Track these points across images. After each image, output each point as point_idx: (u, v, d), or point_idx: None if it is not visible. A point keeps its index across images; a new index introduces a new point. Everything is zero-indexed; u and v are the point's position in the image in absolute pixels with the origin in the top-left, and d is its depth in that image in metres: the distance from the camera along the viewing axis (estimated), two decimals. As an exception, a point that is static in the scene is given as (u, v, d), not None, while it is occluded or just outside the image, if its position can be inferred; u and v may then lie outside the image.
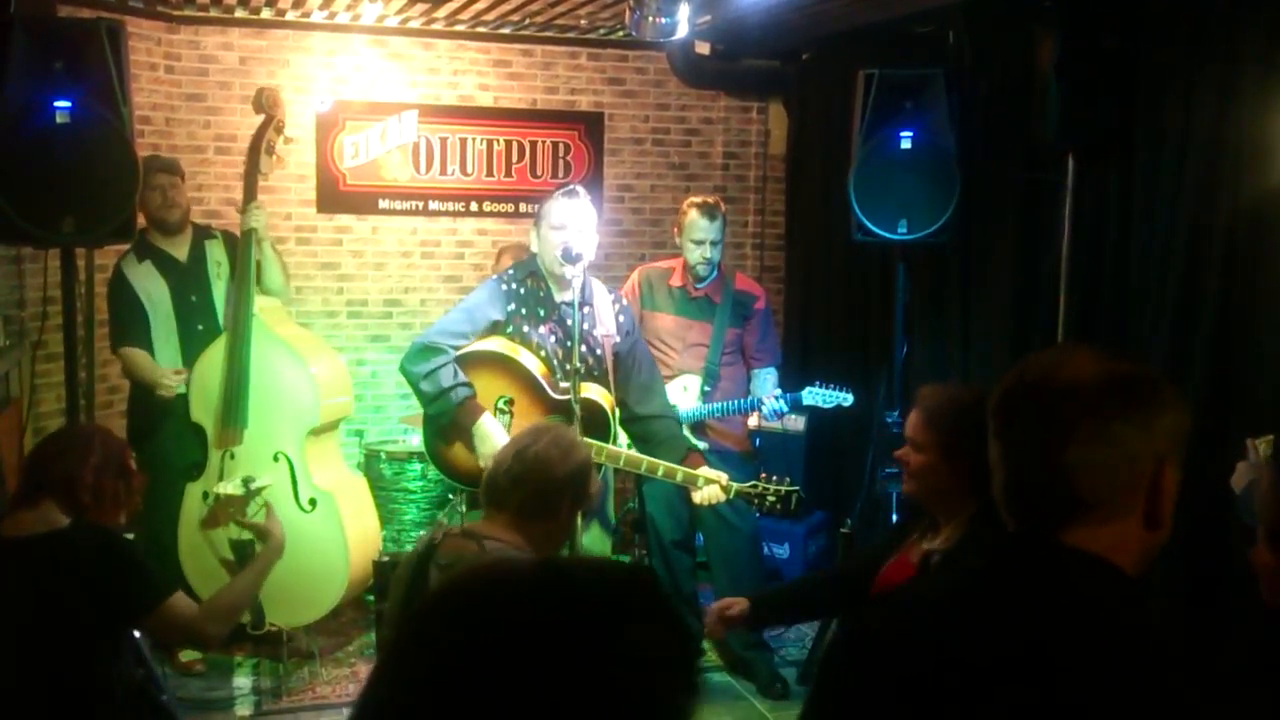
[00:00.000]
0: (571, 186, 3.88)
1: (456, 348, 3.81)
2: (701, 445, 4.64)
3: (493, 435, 3.70)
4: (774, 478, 3.69)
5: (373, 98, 5.97)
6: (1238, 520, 3.09)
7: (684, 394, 4.74)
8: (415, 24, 5.86)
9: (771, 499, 3.65)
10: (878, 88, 4.53)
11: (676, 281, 4.85)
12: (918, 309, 5.03)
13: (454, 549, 2.60)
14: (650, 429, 3.91)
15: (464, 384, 3.73)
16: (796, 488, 3.66)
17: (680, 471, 3.71)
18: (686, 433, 4.66)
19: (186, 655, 4.62)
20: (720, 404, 4.71)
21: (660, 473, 3.72)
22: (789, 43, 5.99)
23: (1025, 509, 1.36)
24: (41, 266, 4.47)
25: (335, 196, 5.97)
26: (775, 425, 5.44)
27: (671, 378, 4.75)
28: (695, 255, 4.72)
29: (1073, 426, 1.31)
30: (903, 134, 4.50)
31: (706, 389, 4.75)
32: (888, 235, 4.51)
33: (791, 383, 4.83)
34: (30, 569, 2.57)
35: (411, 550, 2.79)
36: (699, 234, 4.69)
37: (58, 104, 3.62)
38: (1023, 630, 1.28)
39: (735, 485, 3.68)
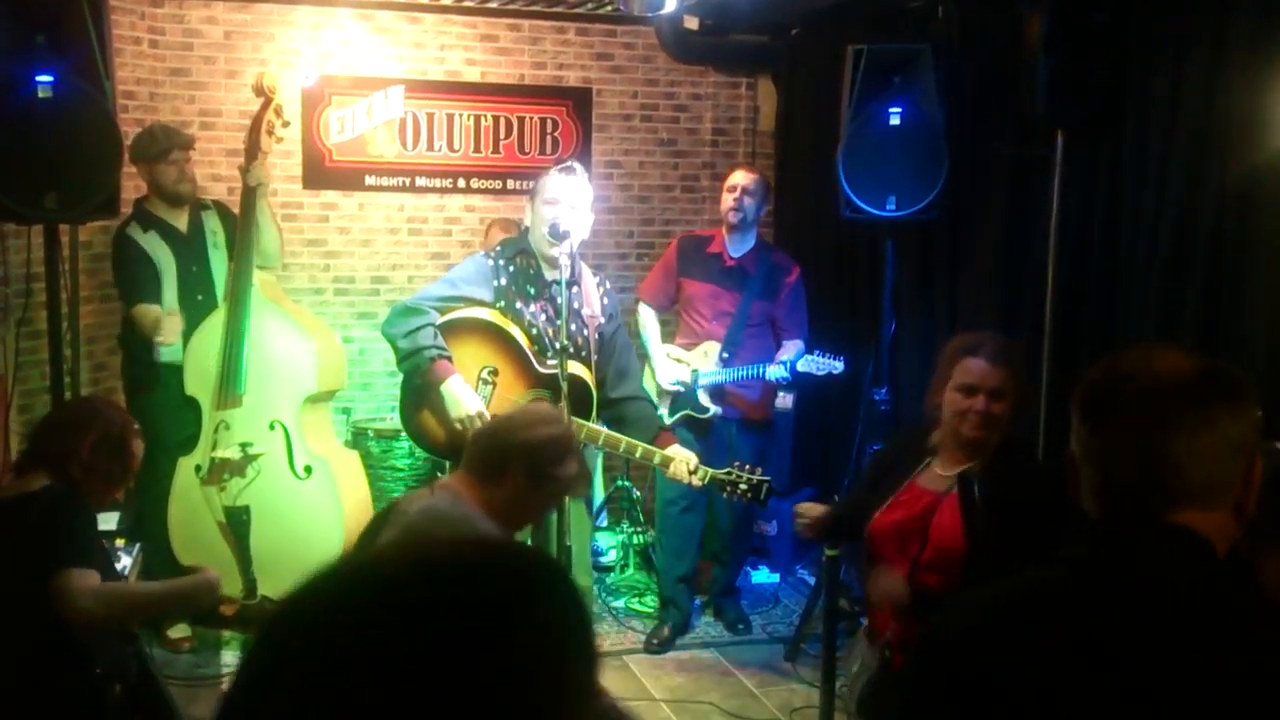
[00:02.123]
0: (569, 163, 3.87)
1: (442, 312, 3.80)
2: (715, 410, 4.81)
3: (461, 397, 3.69)
4: (747, 466, 3.72)
5: (359, 73, 5.92)
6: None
7: (704, 359, 4.88)
8: (401, -2, 5.82)
9: (744, 487, 3.67)
10: (866, 63, 4.51)
11: (714, 249, 4.95)
12: (906, 286, 5.03)
13: (411, 496, 2.74)
14: (623, 411, 3.91)
15: (440, 346, 3.72)
16: (768, 479, 3.67)
17: (657, 454, 3.72)
18: (704, 397, 4.81)
19: (175, 632, 4.63)
20: (731, 369, 4.80)
21: (639, 454, 3.73)
22: (778, 17, 5.96)
23: (1128, 501, 1.37)
24: (25, 243, 4.44)
25: (321, 173, 5.94)
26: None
27: (696, 344, 4.92)
28: (727, 201, 4.92)
29: (1181, 416, 1.34)
30: (891, 110, 4.48)
31: (725, 355, 4.85)
32: (876, 212, 4.51)
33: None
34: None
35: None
36: (732, 181, 4.93)
37: (40, 78, 3.59)
38: (1150, 610, 1.29)
39: (710, 471, 3.70)
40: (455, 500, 2.62)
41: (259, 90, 4.71)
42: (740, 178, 4.94)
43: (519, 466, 2.62)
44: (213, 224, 4.79)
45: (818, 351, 4.68)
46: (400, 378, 3.95)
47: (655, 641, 4.88)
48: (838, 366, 4.63)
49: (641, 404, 3.99)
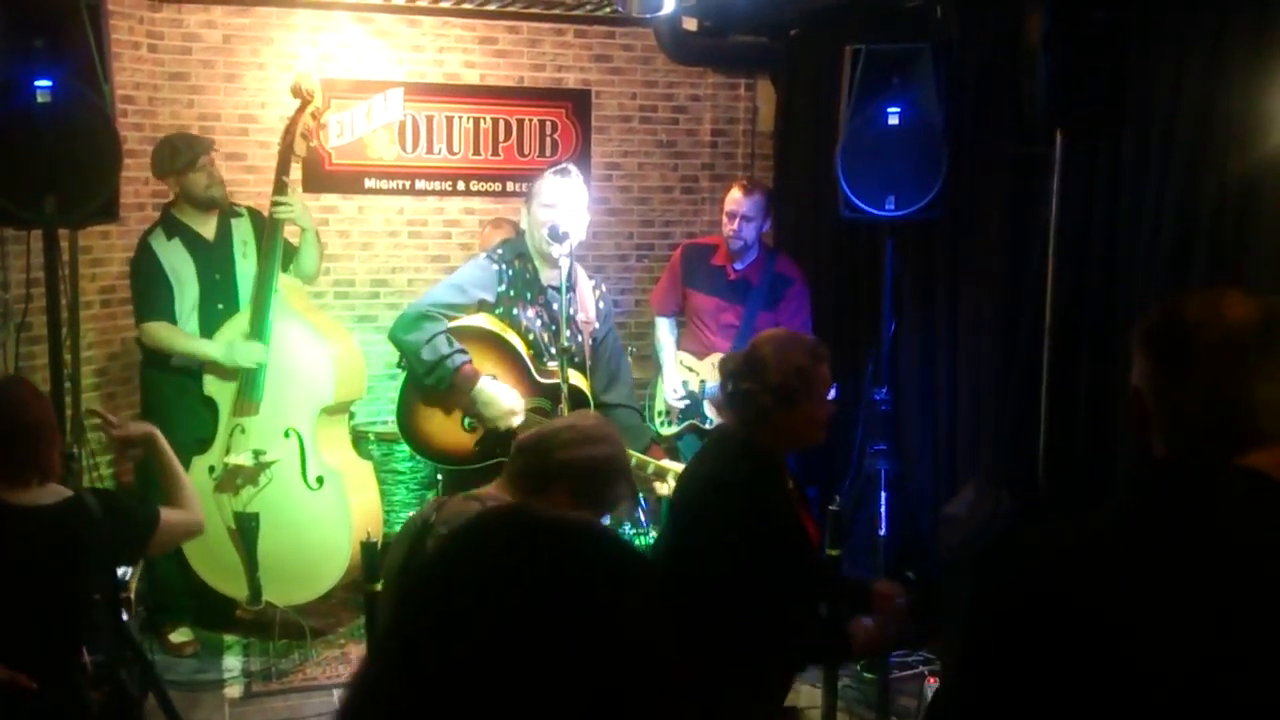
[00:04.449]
0: (564, 165, 3.86)
1: (449, 319, 3.77)
2: (719, 422, 4.78)
3: (497, 395, 3.66)
4: None
5: (358, 76, 5.92)
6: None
7: (713, 370, 4.90)
8: (400, 0, 5.82)
9: None
10: (865, 63, 4.51)
11: (717, 261, 4.93)
12: (906, 285, 5.03)
13: (455, 510, 2.53)
14: (614, 415, 3.88)
15: (460, 350, 3.68)
16: None
17: (651, 464, 3.70)
18: (708, 409, 4.88)
19: (178, 636, 4.62)
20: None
21: (633, 463, 3.69)
22: (777, 18, 5.96)
23: (1198, 446, 1.41)
24: (24, 248, 4.43)
25: (321, 176, 5.93)
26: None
27: (705, 355, 4.96)
28: (726, 229, 4.89)
29: (1255, 367, 1.39)
30: (890, 110, 4.48)
31: None
32: (875, 212, 4.50)
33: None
34: (55, 533, 2.67)
35: (409, 520, 2.69)
36: (730, 206, 4.87)
37: (38, 83, 3.58)
38: (1221, 553, 1.33)
39: None
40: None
41: (297, 93, 4.66)
42: (738, 202, 4.85)
43: (562, 485, 2.50)
44: (243, 233, 4.73)
45: None
46: (398, 383, 3.91)
47: None
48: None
49: (632, 413, 3.98)
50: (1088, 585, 1.35)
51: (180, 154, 4.60)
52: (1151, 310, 1.49)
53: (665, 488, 3.68)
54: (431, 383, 3.71)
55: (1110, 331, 4.02)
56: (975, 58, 4.66)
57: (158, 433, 3.11)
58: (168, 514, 2.96)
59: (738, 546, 2.54)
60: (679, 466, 3.70)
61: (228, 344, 4.49)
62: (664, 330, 5.12)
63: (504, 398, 3.66)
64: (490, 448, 3.71)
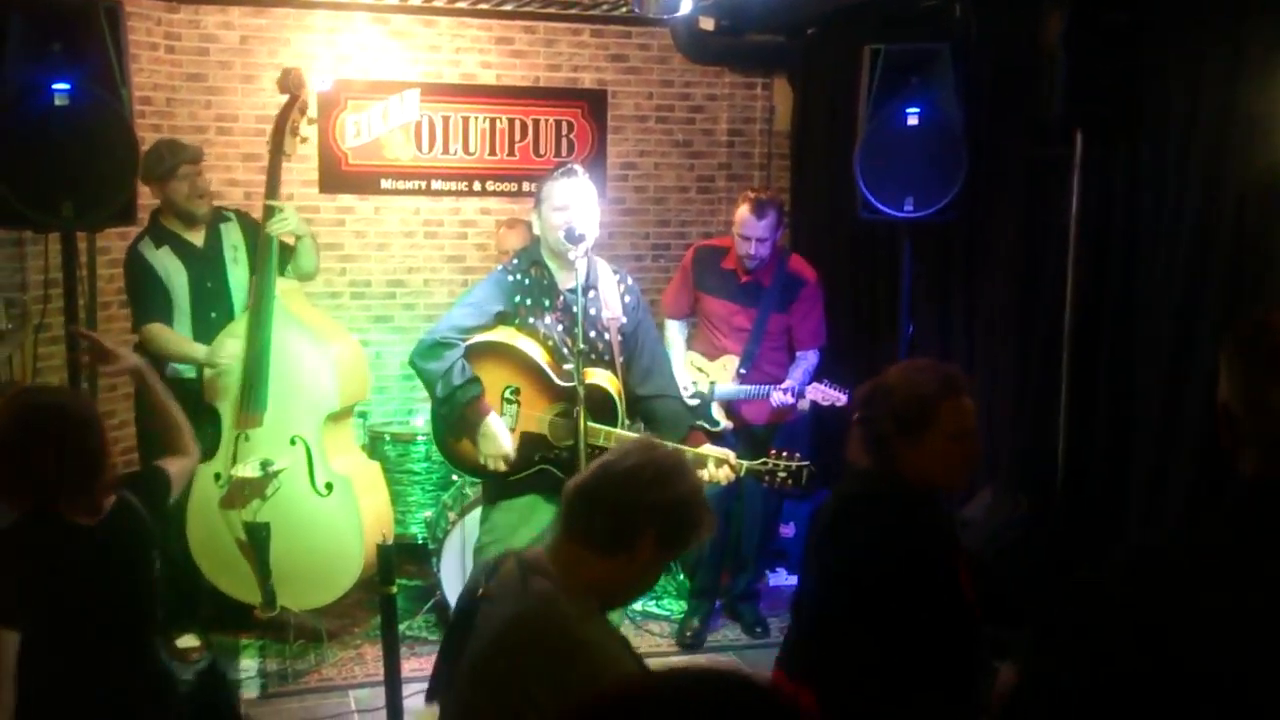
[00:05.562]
0: (570, 165, 3.83)
1: (465, 340, 3.78)
2: (726, 425, 4.81)
3: (498, 436, 3.71)
4: (784, 453, 3.66)
5: (374, 76, 5.93)
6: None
7: (723, 371, 4.89)
8: (417, 1, 5.82)
9: (783, 474, 3.62)
10: (883, 63, 4.48)
11: (728, 264, 4.91)
12: (924, 287, 5.00)
13: (504, 577, 2.22)
14: (652, 408, 3.89)
15: (472, 381, 3.71)
16: (807, 462, 3.61)
17: (688, 453, 3.67)
18: (717, 411, 4.82)
19: (184, 642, 4.60)
20: (745, 387, 4.80)
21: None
22: (794, 17, 5.94)
23: None
24: (43, 250, 4.45)
25: (337, 177, 5.95)
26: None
27: (716, 357, 4.93)
28: (741, 249, 4.80)
29: None
30: (909, 110, 4.45)
31: (742, 371, 4.85)
32: (893, 213, 4.47)
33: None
34: (121, 536, 2.69)
35: (462, 591, 2.42)
36: (744, 229, 4.75)
37: (56, 86, 3.60)
38: None
39: (745, 463, 3.66)
40: (551, 587, 2.13)
41: (285, 86, 4.57)
42: (750, 226, 4.71)
43: (650, 532, 2.15)
44: (233, 238, 4.66)
45: (825, 382, 4.65)
46: (419, 388, 3.93)
47: (688, 634, 4.99)
48: (841, 399, 4.56)
49: (671, 402, 3.95)
50: (1189, 613, 1.37)
51: (163, 161, 4.48)
52: (1240, 326, 1.52)
53: (706, 474, 3.65)
54: (445, 413, 3.78)
55: (1129, 333, 3.99)
56: (994, 58, 4.63)
57: (147, 367, 3.10)
58: (169, 465, 2.96)
59: (870, 574, 2.38)
60: (719, 452, 3.69)
61: (211, 346, 4.44)
62: (674, 332, 5.08)
63: (502, 440, 3.71)
64: (529, 455, 3.75)
